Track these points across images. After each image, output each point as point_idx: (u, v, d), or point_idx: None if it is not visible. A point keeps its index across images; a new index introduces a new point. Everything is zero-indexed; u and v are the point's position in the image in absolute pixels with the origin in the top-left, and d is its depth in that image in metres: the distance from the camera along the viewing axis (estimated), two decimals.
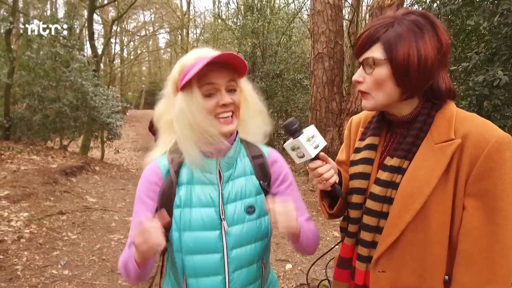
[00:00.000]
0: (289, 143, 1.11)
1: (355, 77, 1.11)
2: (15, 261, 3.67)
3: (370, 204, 1.11)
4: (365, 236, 1.13)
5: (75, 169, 7.30)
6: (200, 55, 1.15)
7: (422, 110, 1.08)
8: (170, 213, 1.15)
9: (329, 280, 1.41)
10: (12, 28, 9.89)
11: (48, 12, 18.83)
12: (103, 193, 6.32)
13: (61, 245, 4.13)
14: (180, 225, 1.14)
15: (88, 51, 14.37)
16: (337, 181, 1.13)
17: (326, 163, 1.12)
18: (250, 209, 1.19)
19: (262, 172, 1.26)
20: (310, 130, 1.11)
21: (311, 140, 1.09)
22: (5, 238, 4.04)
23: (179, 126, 1.14)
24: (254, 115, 1.27)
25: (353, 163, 1.22)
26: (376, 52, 1.03)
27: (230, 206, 1.18)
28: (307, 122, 9.66)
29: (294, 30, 14.24)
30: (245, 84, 1.24)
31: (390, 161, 1.10)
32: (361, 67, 1.09)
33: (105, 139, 12.44)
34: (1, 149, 7.81)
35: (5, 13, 9.94)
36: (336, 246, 1.38)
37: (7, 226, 4.30)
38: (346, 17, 11.96)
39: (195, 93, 1.11)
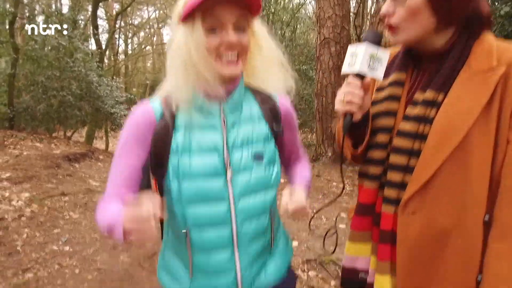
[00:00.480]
0: (354, 45, 1.01)
1: (383, 10, 1.01)
2: (15, 237, 3.60)
3: (398, 142, 1.02)
4: (393, 176, 1.03)
5: (79, 156, 7.24)
6: None
7: (458, 40, 0.99)
8: (166, 160, 1.04)
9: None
10: (16, 20, 9.86)
11: (53, 7, 18.82)
12: (106, 178, 6.22)
13: (62, 224, 4.06)
14: (179, 173, 1.03)
15: (92, 46, 14.31)
16: (354, 117, 1.03)
17: (363, 91, 1.01)
18: (258, 157, 1.09)
19: (274, 116, 1.16)
20: (382, 52, 0.99)
21: (373, 58, 0.98)
22: (6, 216, 3.97)
23: (173, 64, 1.02)
24: (270, 64, 1.12)
25: (376, 102, 1.12)
26: None
27: (236, 153, 1.07)
28: (313, 110, 9.55)
29: (299, 20, 14.11)
30: (258, 26, 1.09)
31: (422, 96, 1.01)
32: None
33: (109, 130, 12.41)
34: (5, 137, 7.77)
35: (8, 6, 9.89)
36: (346, 203, 1.28)
37: (8, 205, 4.23)
38: (352, 3, 11.79)
39: (197, 26, 0.97)
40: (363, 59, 0.98)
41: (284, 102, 1.20)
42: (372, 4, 15.53)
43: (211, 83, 1.01)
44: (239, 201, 1.07)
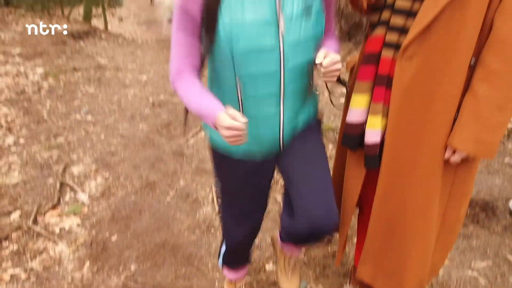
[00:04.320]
0: None
1: None
2: (40, 108, 3.86)
3: None
4: (396, 20, 1.10)
5: (82, 34, 7.15)
6: None
7: None
8: (217, 20, 1.04)
9: (346, 87, 1.40)
10: None
11: None
12: (113, 56, 6.29)
13: (80, 96, 4.29)
14: (232, 29, 1.02)
15: None
16: None
17: None
18: (307, 11, 1.07)
19: None
20: None
21: None
22: (26, 89, 4.18)
23: None
24: None
25: None
26: None
27: (288, 3, 1.05)
28: None
29: None
30: None
31: None
32: None
33: (106, 7, 11.85)
34: (3, 13, 7.56)
35: None
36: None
37: (26, 79, 4.41)
38: None
39: None
40: None
41: None
42: None
43: None
44: (289, 59, 1.09)
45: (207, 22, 1.05)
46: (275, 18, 1.04)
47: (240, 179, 1.35)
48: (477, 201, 2.33)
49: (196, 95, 1.11)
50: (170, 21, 10.71)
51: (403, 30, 1.10)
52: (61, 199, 2.57)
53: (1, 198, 2.54)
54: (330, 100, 1.48)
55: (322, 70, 1.07)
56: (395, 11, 1.10)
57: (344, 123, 1.32)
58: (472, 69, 1.09)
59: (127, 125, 3.72)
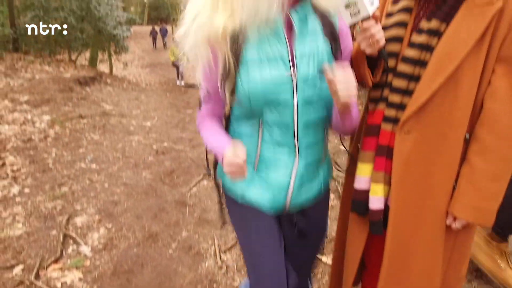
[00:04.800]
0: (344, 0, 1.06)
1: None
2: (45, 156, 3.93)
3: (402, 67, 1.14)
4: (394, 98, 1.18)
5: (88, 80, 7.38)
6: None
7: None
8: (236, 73, 1.11)
9: (349, 152, 1.48)
10: None
11: None
12: (118, 102, 6.47)
13: (85, 144, 4.38)
14: (249, 86, 1.10)
15: None
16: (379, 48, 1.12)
17: (379, 23, 1.09)
18: (322, 73, 1.11)
19: (332, 35, 1.16)
20: None
21: None
22: (32, 137, 4.28)
23: None
24: None
25: (386, 28, 1.21)
26: None
27: (303, 64, 1.10)
28: None
29: None
30: None
31: (428, 24, 1.11)
32: None
33: (112, 53, 12.29)
34: (13, 60, 7.83)
35: None
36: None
37: (32, 127, 4.52)
38: None
39: None
40: (365, 2, 1.03)
41: (343, 25, 1.18)
42: None
43: None
44: (303, 114, 1.14)
45: (227, 83, 1.13)
46: (290, 78, 1.10)
47: (252, 223, 1.34)
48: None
49: (212, 134, 1.24)
50: (173, 65, 11.07)
51: (400, 106, 1.18)
52: (63, 252, 2.57)
53: (4, 251, 2.55)
54: (342, 143, 1.52)
55: (337, 86, 1.03)
56: (392, 89, 1.18)
57: (353, 190, 1.36)
58: (467, 142, 1.16)
59: (130, 173, 3.78)
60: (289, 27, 1.11)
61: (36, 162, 3.81)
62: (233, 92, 1.14)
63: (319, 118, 1.20)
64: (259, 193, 1.28)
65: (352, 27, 1.16)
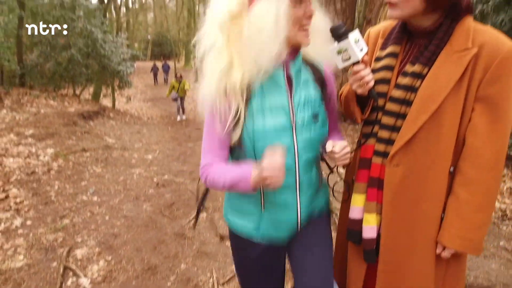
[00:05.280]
0: (335, 47, 1.16)
1: None
2: (48, 189, 4.00)
3: (389, 106, 1.24)
4: (383, 134, 1.28)
5: (92, 114, 7.55)
6: None
7: (444, 21, 1.20)
8: (242, 122, 1.20)
9: (344, 180, 1.55)
10: None
11: None
12: (120, 135, 6.59)
13: (87, 177, 4.45)
14: (254, 133, 1.19)
15: None
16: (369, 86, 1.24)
17: (368, 67, 1.21)
18: (315, 117, 1.25)
19: (321, 83, 1.30)
20: (356, 34, 1.16)
21: (357, 43, 1.14)
22: (36, 170, 4.36)
23: (255, 39, 1.10)
24: (319, 31, 1.22)
25: (375, 71, 1.32)
26: None
27: (300, 112, 1.22)
28: None
29: None
30: None
31: (411, 68, 1.22)
32: None
33: (116, 88, 12.59)
34: (19, 95, 8.04)
35: None
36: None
37: (36, 160, 4.61)
38: None
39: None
40: (355, 48, 1.14)
41: (328, 72, 1.33)
42: None
43: (284, 51, 1.14)
44: (302, 155, 1.25)
45: (235, 129, 1.22)
46: (289, 124, 1.22)
47: (257, 262, 1.43)
48: (476, 287, 2.35)
49: (228, 169, 1.24)
50: (174, 99, 11.33)
51: (389, 142, 1.28)
52: (63, 284, 2.59)
53: (5, 283, 2.57)
54: (333, 193, 1.59)
55: (336, 156, 1.22)
56: (382, 126, 1.29)
57: (347, 219, 1.44)
58: (452, 175, 1.24)
59: (131, 206, 3.83)
60: (288, 78, 1.23)
61: (38, 194, 3.87)
62: (239, 138, 1.23)
63: (315, 155, 1.31)
64: (268, 234, 1.36)
65: (344, 70, 1.29)
